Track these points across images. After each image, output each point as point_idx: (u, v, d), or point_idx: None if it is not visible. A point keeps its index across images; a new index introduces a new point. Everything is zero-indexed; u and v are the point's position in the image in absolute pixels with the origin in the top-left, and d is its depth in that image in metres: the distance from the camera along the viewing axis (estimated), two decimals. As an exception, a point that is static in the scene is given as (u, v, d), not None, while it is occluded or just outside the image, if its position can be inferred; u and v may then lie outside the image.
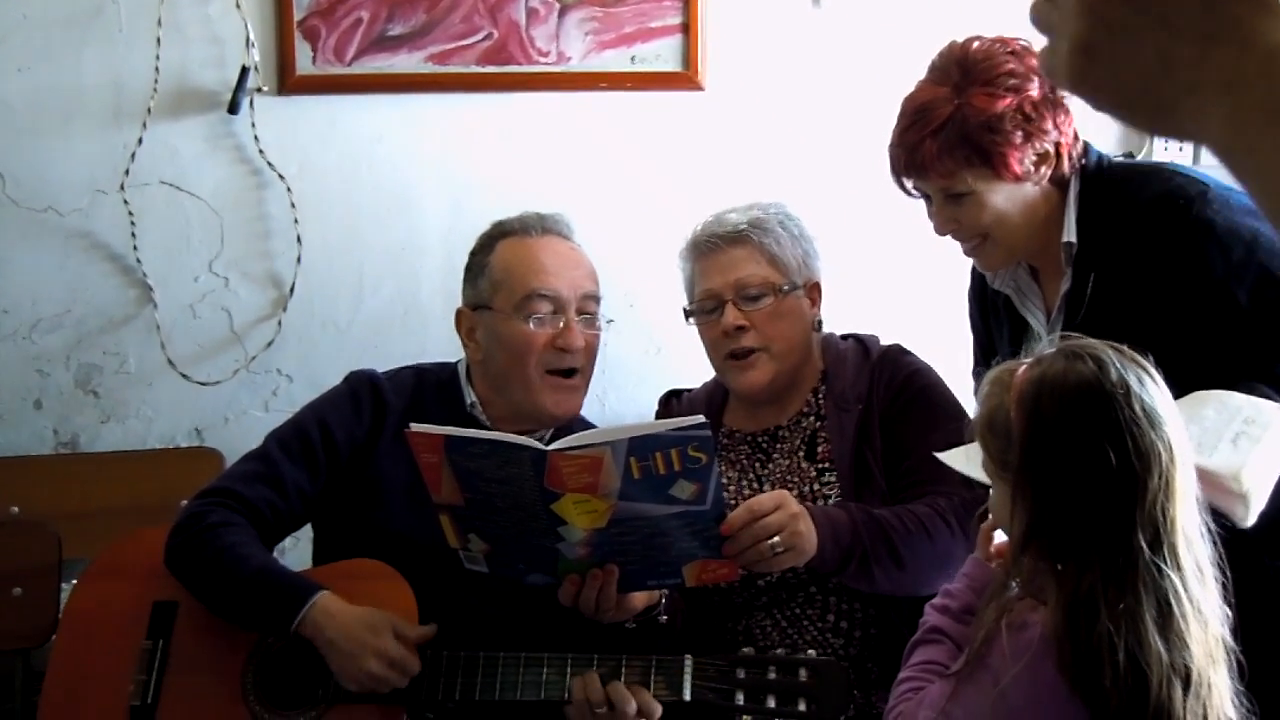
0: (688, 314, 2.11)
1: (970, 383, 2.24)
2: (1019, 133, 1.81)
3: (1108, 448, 1.36)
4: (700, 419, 1.64)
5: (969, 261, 2.19)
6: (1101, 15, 0.67)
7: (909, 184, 1.93)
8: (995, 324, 2.08)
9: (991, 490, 1.53)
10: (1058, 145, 1.84)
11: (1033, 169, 1.84)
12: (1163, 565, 1.36)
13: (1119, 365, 1.40)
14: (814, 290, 2.11)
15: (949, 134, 1.81)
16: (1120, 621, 1.34)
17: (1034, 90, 1.82)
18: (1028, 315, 1.99)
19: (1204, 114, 0.66)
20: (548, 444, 1.67)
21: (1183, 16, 0.65)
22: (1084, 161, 1.88)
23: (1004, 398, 1.44)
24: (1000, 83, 1.81)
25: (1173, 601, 1.36)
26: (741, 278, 2.03)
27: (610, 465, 1.63)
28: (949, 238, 1.94)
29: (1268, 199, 0.65)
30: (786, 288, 2.04)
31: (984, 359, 2.16)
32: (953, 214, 1.89)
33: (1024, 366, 1.45)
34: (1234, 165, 0.66)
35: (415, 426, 1.70)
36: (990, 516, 1.56)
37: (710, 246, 2.07)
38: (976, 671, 1.43)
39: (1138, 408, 1.37)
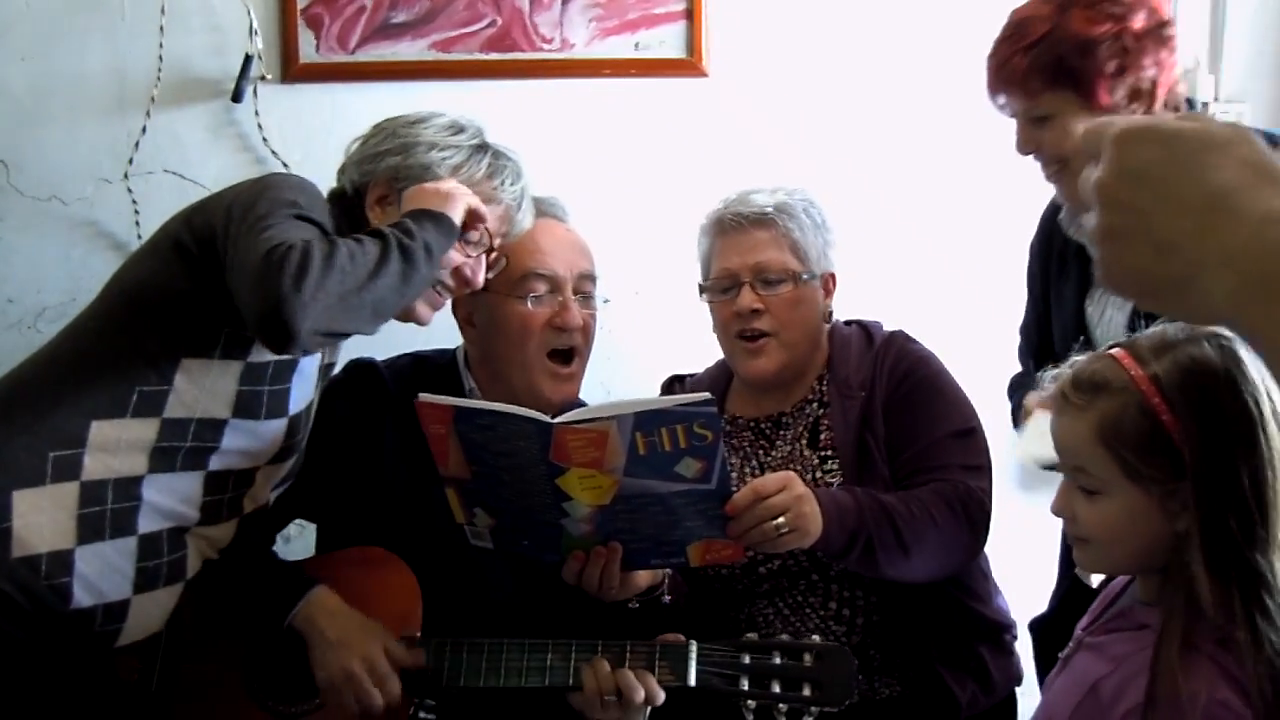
0: (702, 289, 2.10)
1: (980, 367, 2.23)
2: (1113, 62, 1.72)
3: (1268, 431, 1.26)
4: (707, 396, 1.63)
5: (975, 251, 2.15)
6: (1110, 197, 0.68)
7: (998, 100, 1.84)
8: (1059, 276, 1.98)
9: (1078, 506, 1.37)
10: (1154, 83, 1.74)
11: (1124, 102, 1.73)
12: None
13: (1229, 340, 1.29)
14: (829, 281, 2.10)
15: (1041, 52, 1.73)
16: None
17: (1138, 22, 1.72)
18: None
19: (1210, 292, 0.64)
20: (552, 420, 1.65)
21: (1177, 190, 0.65)
22: (1178, 111, 1.77)
23: (1128, 398, 1.29)
24: (1103, 8, 1.73)
25: None
26: (762, 261, 2.02)
27: (616, 440, 1.61)
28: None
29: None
30: (805, 276, 2.03)
31: (1037, 317, 2.06)
32: (1035, 136, 1.81)
33: (1130, 358, 1.31)
34: (1247, 340, 0.65)
35: (424, 397, 1.69)
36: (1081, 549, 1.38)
37: (733, 225, 2.04)
38: None
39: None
